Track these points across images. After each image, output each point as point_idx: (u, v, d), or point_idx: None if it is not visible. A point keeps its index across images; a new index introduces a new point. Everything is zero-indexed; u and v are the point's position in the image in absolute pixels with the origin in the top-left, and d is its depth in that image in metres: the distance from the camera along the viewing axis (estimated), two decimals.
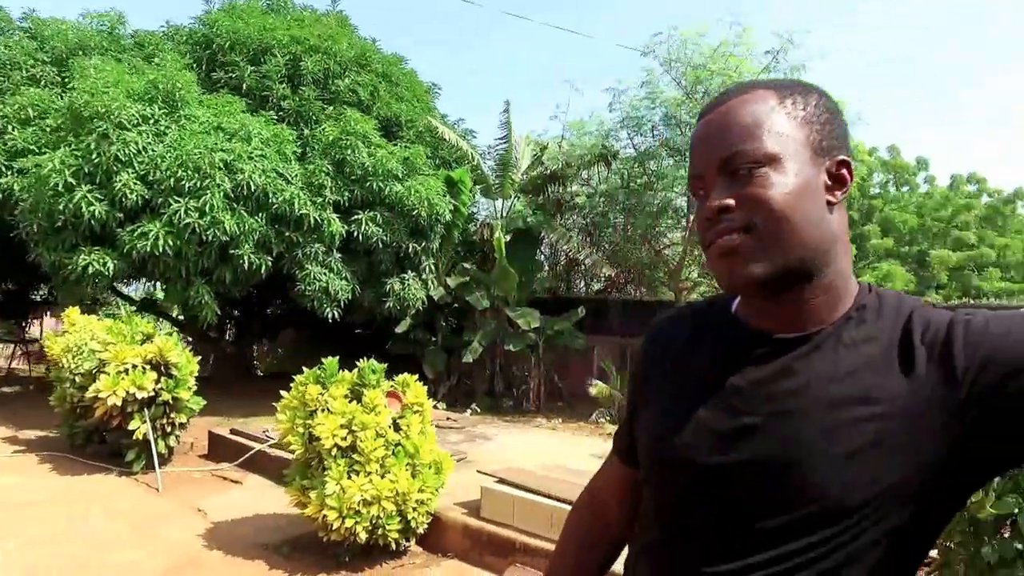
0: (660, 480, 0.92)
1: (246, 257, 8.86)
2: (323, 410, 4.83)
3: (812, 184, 0.82)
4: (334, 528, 4.60)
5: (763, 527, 0.80)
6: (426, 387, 11.86)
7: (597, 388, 11.11)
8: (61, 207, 8.09)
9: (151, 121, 8.72)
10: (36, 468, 6.95)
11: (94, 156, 8.19)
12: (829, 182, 0.84)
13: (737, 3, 26.63)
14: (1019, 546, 3.00)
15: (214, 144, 8.54)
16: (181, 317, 12.41)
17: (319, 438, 4.72)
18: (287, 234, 9.37)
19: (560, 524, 3.43)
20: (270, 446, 7.05)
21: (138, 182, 8.29)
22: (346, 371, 5.07)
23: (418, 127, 11.63)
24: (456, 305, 12.37)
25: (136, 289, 14.37)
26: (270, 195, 8.97)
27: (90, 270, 8.18)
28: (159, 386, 6.75)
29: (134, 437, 6.72)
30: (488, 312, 12.10)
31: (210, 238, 8.36)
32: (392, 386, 5.22)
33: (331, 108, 10.65)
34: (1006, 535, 3.06)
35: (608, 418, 10.69)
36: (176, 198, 8.26)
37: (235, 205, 8.62)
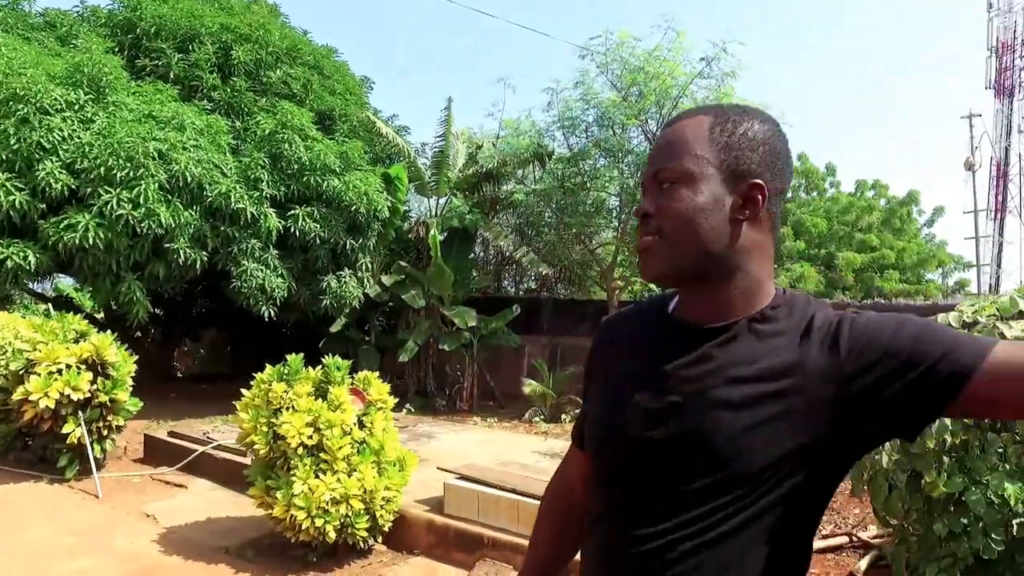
0: (602, 455, 1.06)
1: (182, 251, 8.52)
2: (288, 408, 4.75)
3: (719, 202, 0.97)
4: (303, 528, 4.53)
5: (685, 491, 0.94)
6: None
7: (530, 387, 11.28)
8: None
9: (75, 107, 8.24)
10: None
11: (13, 142, 7.67)
12: (740, 202, 0.98)
13: (673, 8, 27.40)
14: (965, 521, 3.36)
15: (147, 133, 8.16)
16: (100, 315, 11.77)
17: (284, 436, 4.63)
18: (222, 228, 9.07)
19: (525, 518, 3.57)
20: (214, 448, 6.83)
21: (63, 171, 7.83)
22: (311, 368, 5.01)
23: (352, 121, 11.47)
24: (391, 304, 12.27)
25: (45, 287, 13.53)
26: (205, 187, 8.66)
27: (9, 264, 7.66)
28: (95, 387, 6.42)
29: (68, 441, 6.36)
30: (422, 311, 12.07)
31: (144, 231, 8.00)
32: (354, 384, 5.19)
33: (263, 100, 10.36)
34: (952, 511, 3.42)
35: (541, 416, 10.85)
36: (107, 188, 7.85)
37: (170, 197, 8.28)
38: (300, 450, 4.63)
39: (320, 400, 4.85)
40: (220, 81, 10.12)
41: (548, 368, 11.68)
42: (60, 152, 7.86)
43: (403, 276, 11.95)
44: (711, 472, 0.92)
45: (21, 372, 6.40)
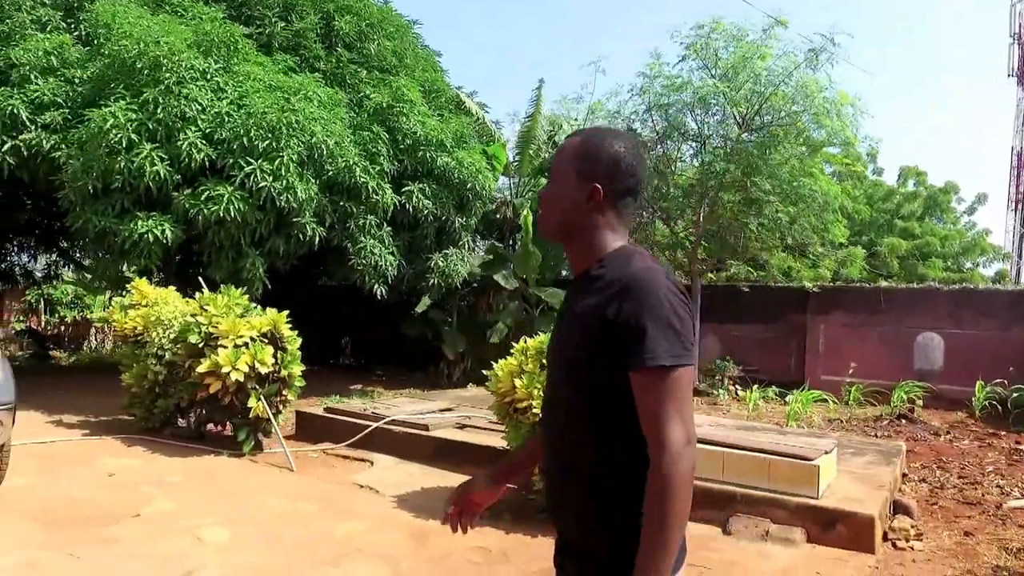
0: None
1: (308, 226, 8.36)
2: None
3: (569, 193, 1.47)
4: None
5: (553, 377, 1.53)
6: (444, 370, 11.69)
7: None
8: (119, 166, 7.30)
9: (208, 76, 8.00)
10: (130, 451, 6.29)
11: (158, 112, 7.43)
12: (587, 194, 1.45)
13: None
14: None
15: (282, 103, 7.96)
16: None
17: None
18: (341, 203, 8.90)
19: (776, 475, 4.66)
20: (388, 423, 6.73)
21: (203, 141, 7.60)
22: None
23: (443, 98, 11.30)
24: (475, 284, 12.17)
25: None
26: (328, 161, 8.48)
27: (150, 237, 7.44)
28: (276, 361, 6.29)
29: (251, 415, 6.24)
30: (507, 292, 12.00)
31: (280, 204, 7.81)
32: None
33: (364, 72, 10.16)
34: None
35: None
36: (248, 159, 7.65)
37: (302, 170, 8.09)
38: None
39: None
40: (324, 52, 9.90)
41: None
42: (199, 122, 7.63)
43: (492, 256, 11.87)
44: (561, 361, 1.48)
45: (201, 346, 6.23)
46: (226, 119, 7.74)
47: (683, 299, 1.36)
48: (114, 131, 7.22)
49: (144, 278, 7.48)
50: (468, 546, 4.35)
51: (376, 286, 9.37)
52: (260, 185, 7.58)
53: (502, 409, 5.10)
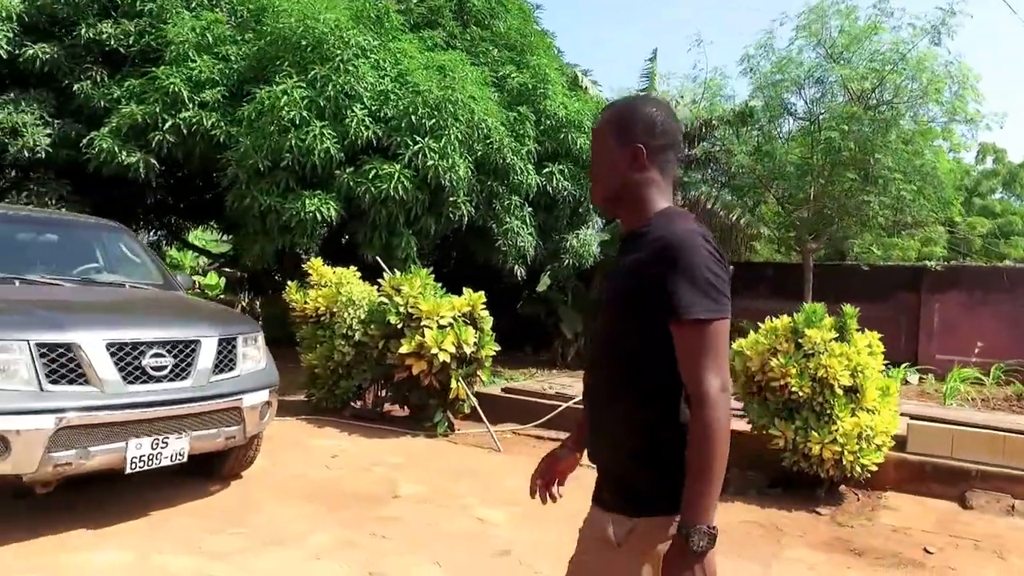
0: None
1: (462, 206, 8.27)
2: (823, 352, 4.68)
3: (613, 161, 1.57)
4: (823, 464, 4.64)
5: (600, 324, 1.61)
6: (559, 349, 11.59)
7: (739, 344, 11.19)
8: (289, 144, 7.24)
9: (367, 53, 7.90)
10: (325, 432, 6.28)
11: (328, 89, 7.35)
12: (632, 159, 1.55)
13: None
14: None
15: (441, 80, 7.85)
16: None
17: (824, 378, 4.66)
18: (488, 183, 8.80)
19: (1011, 451, 4.75)
20: (577, 403, 6.67)
21: (370, 119, 7.52)
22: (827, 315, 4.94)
23: (565, 78, 11.12)
24: (591, 264, 12.04)
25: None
26: (478, 141, 8.37)
27: (318, 216, 7.39)
28: (476, 342, 6.24)
29: (451, 396, 6.21)
30: None
31: (444, 183, 7.73)
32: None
33: (495, 51, 10.01)
34: None
35: None
36: (415, 138, 7.56)
37: (461, 150, 7.99)
38: (838, 390, 4.67)
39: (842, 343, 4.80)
40: (459, 29, 9.76)
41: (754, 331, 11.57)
42: (364, 99, 7.55)
43: (610, 235, 11.73)
44: (614, 304, 1.55)
45: (400, 326, 6.19)
46: (390, 97, 7.63)
47: (720, 258, 1.46)
48: (287, 108, 7.16)
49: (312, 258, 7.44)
50: (739, 520, 4.44)
51: (516, 266, 9.28)
52: (428, 164, 7.48)
53: (744, 388, 5.09)
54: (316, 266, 7.04)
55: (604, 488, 1.61)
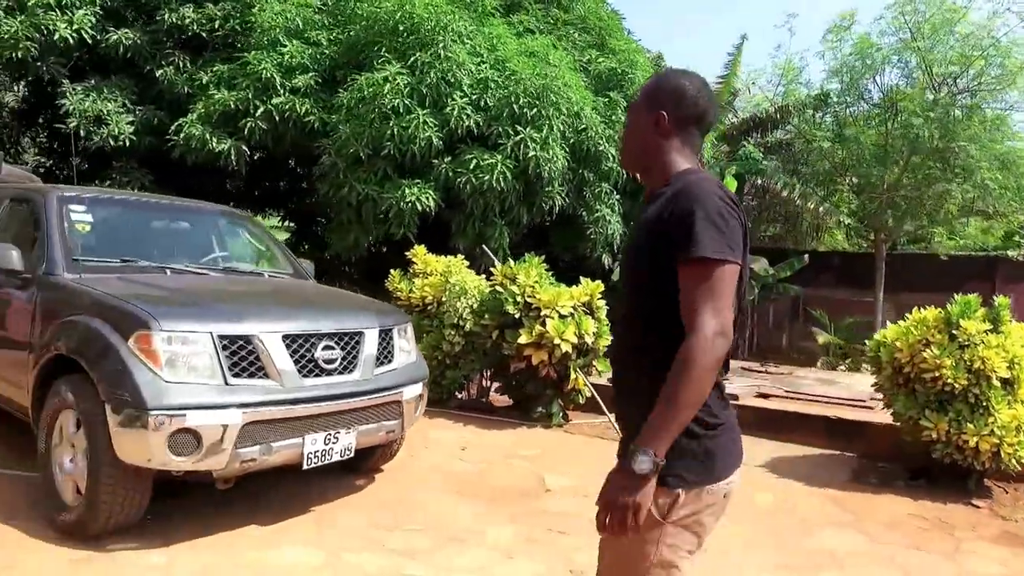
0: None
1: (556, 196, 8.07)
2: (979, 344, 4.50)
3: (640, 123, 1.65)
4: (985, 456, 4.48)
5: (622, 277, 1.70)
6: None
7: (824, 337, 10.91)
8: (390, 132, 7.07)
9: (464, 39, 7.70)
10: (439, 423, 6.13)
11: (429, 75, 7.16)
12: (655, 124, 1.62)
13: None
14: None
15: (540, 68, 7.63)
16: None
17: (980, 370, 4.50)
18: (580, 171, 8.58)
19: None
20: None
21: (471, 107, 7.32)
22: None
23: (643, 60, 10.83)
24: None
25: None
26: (572, 128, 8.14)
27: (418, 206, 7.22)
28: (595, 332, 6.05)
29: (569, 386, 6.04)
30: None
31: (544, 172, 7.53)
32: None
33: (576, 34, 9.74)
34: None
35: (846, 366, 10.51)
36: (516, 127, 7.35)
37: (560, 139, 7.78)
38: (996, 382, 4.54)
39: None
40: (542, 12, 9.51)
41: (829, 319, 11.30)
42: (464, 87, 7.35)
43: None
44: (631, 259, 1.65)
45: (518, 316, 6.01)
46: (490, 84, 7.43)
47: (732, 208, 1.46)
48: (389, 95, 6.98)
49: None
50: (905, 512, 4.36)
51: (604, 255, 9.08)
52: (529, 154, 7.28)
53: (890, 380, 4.92)
54: (420, 255, 6.87)
55: (623, 444, 1.60)
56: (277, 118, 7.72)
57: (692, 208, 1.43)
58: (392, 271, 7.02)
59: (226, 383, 3.20)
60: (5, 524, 3.38)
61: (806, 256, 11.45)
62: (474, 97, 7.40)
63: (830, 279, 12.77)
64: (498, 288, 6.25)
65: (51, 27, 7.67)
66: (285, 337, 3.42)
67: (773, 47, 33.06)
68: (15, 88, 9.41)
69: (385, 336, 3.99)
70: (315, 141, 7.74)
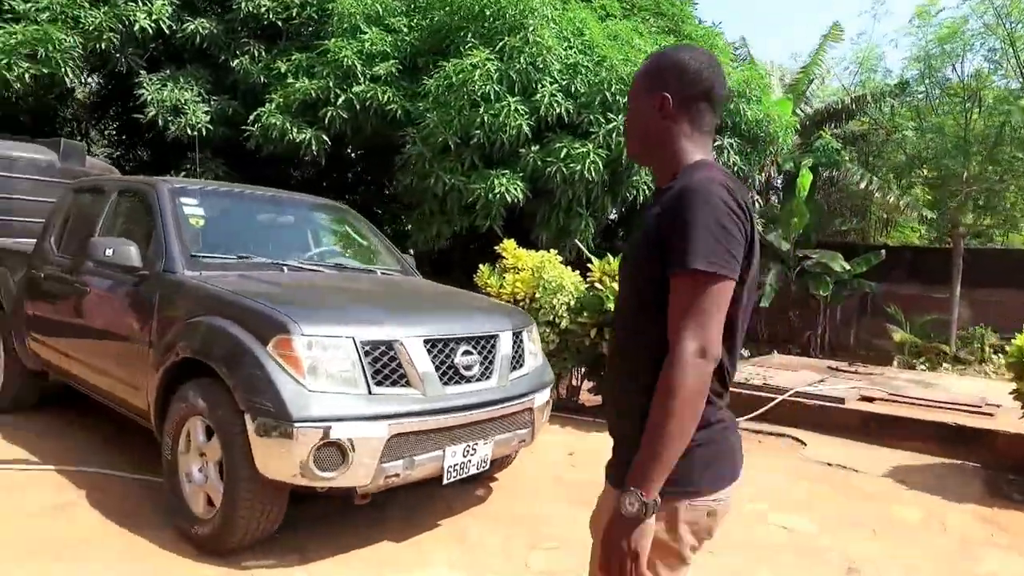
0: None
1: (641, 186, 7.73)
2: None
3: (642, 108, 1.50)
4: None
5: (620, 283, 1.55)
6: None
7: (900, 335, 10.41)
8: (480, 120, 6.80)
9: (550, 22, 7.38)
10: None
11: (519, 61, 6.87)
12: (659, 107, 1.47)
13: None
14: None
15: (630, 53, 7.28)
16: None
17: None
18: None
19: None
20: (792, 395, 6.14)
21: (562, 94, 7.02)
22: None
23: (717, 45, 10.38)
24: None
25: None
26: None
27: (507, 196, 6.95)
28: None
29: None
30: (770, 253, 11.19)
31: (628, 163, 7.21)
32: None
33: (652, 19, 9.35)
34: None
35: (925, 366, 10.00)
36: (609, 115, 7.03)
37: None
38: None
39: None
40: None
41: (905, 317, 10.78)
42: (554, 73, 7.04)
43: (762, 216, 11.05)
44: (624, 269, 1.51)
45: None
46: (579, 70, 7.11)
47: (738, 214, 1.31)
48: (480, 81, 6.71)
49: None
50: None
51: None
52: (622, 143, 6.95)
53: None
54: (511, 249, 6.61)
55: (611, 460, 1.49)
56: (358, 107, 7.51)
57: (689, 213, 1.29)
58: (481, 266, 6.77)
59: (370, 392, 2.97)
60: (135, 534, 3.24)
61: (883, 251, 10.93)
62: (564, 83, 7.08)
63: (901, 274, 12.19)
64: (597, 285, 5.97)
65: (131, 18, 7.59)
66: (426, 342, 3.18)
67: (857, 34, 31.15)
68: (87, 81, 9.38)
69: (517, 339, 3.74)
70: (397, 130, 7.52)
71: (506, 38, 6.96)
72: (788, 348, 11.03)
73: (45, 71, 6.92)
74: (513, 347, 3.67)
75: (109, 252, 3.60)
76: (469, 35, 7.17)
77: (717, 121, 1.56)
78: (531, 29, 6.95)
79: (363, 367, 2.98)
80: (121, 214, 4.32)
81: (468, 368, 3.34)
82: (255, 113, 7.86)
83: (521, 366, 3.73)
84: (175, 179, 4.40)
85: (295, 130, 7.60)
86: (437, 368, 3.21)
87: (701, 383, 1.24)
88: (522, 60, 6.89)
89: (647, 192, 8.00)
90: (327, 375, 2.92)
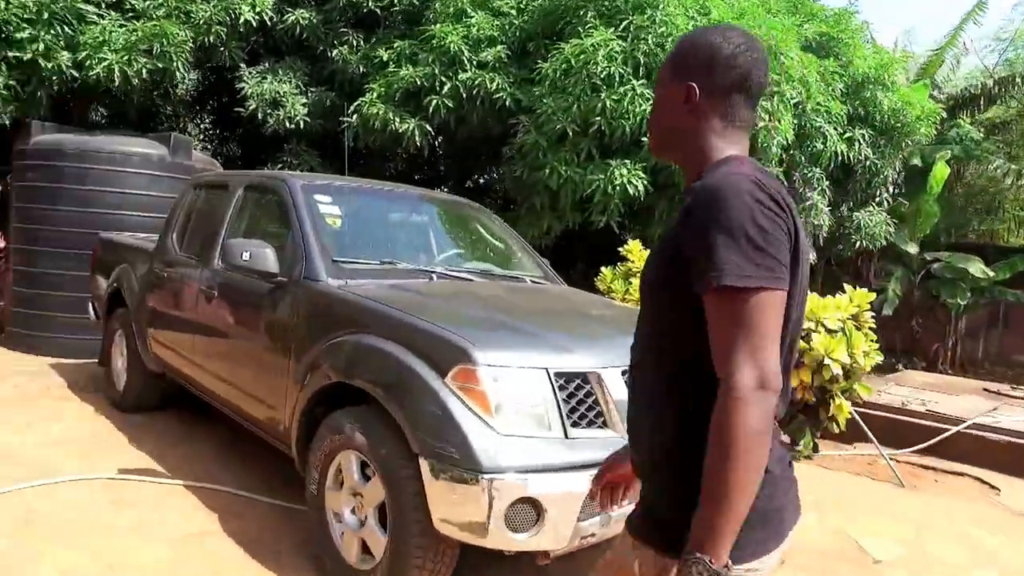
0: None
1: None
2: None
3: (667, 99, 1.29)
4: None
5: (640, 297, 1.32)
6: None
7: None
8: (601, 105, 6.25)
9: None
10: None
11: (645, 40, 6.29)
12: (684, 99, 1.25)
13: None
14: None
15: (764, 30, 6.60)
16: None
17: None
18: (790, 151, 7.50)
19: None
20: (971, 427, 5.39)
21: None
22: None
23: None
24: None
25: None
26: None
27: (629, 189, 6.38)
28: (865, 350, 5.06)
29: (829, 413, 5.08)
30: (892, 255, 10.30)
31: (772, 148, 6.55)
32: None
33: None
34: None
35: None
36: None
37: (785, 111, 6.74)
38: None
39: None
40: None
41: None
42: None
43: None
44: (642, 286, 1.29)
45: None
46: None
47: (775, 210, 1.08)
48: (603, 62, 6.16)
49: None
50: None
51: (810, 249, 7.99)
52: (759, 126, 6.31)
53: None
54: (636, 250, 6.07)
55: (635, 510, 1.32)
56: (463, 95, 7.07)
57: (712, 216, 1.09)
58: (603, 268, 6.26)
59: (566, 435, 2.48)
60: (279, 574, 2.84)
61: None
62: None
63: None
64: None
65: (237, 11, 7.38)
66: (623, 373, 2.67)
67: (1011, 5, 28.30)
68: (189, 77, 9.29)
69: None
70: (505, 119, 7.05)
71: (631, 17, 6.38)
72: (912, 362, 10.14)
73: (160, 66, 6.80)
74: None
75: (246, 256, 3.21)
76: (589, 15, 6.61)
77: (754, 115, 1.31)
78: (660, 7, 6.35)
79: (558, 404, 2.49)
80: (248, 212, 3.96)
81: None
82: (355, 104, 7.51)
83: None
84: (305, 174, 4.01)
85: (397, 120, 7.21)
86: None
87: (764, 421, 1.03)
88: (649, 41, 6.30)
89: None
90: (517, 414, 2.44)
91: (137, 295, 4.67)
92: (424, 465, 2.40)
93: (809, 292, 5.15)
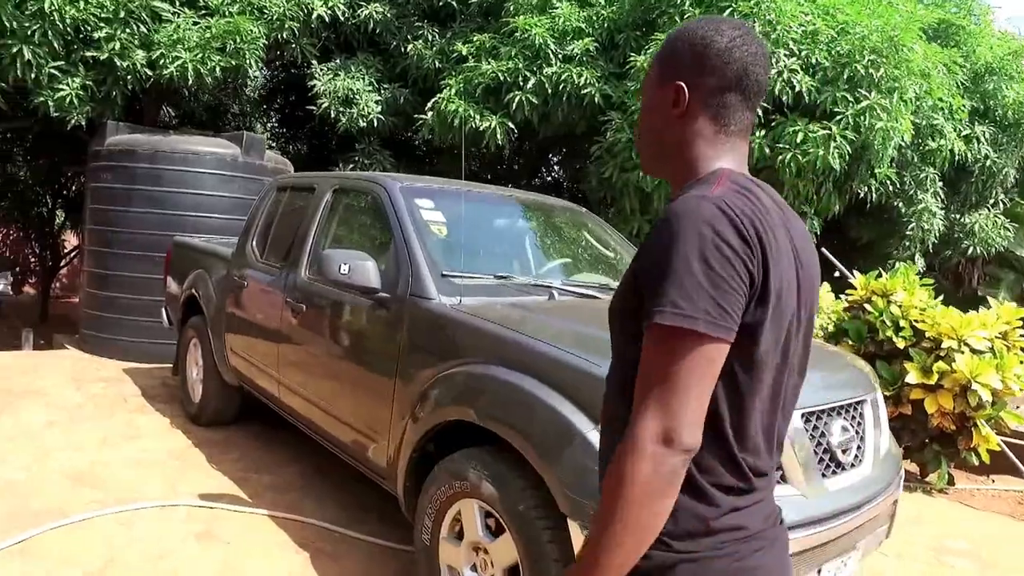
0: None
1: (883, 178, 6.45)
2: None
3: (653, 103, 1.12)
4: None
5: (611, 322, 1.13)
6: None
7: None
8: None
9: None
10: None
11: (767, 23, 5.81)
12: (672, 102, 1.09)
13: None
14: None
15: (885, 19, 6.00)
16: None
17: None
18: (903, 150, 6.88)
19: None
20: None
21: (800, 67, 5.85)
22: None
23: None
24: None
25: None
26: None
27: None
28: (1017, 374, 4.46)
29: (972, 445, 4.51)
30: (999, 261, 9.49)
31: (888, 149, 5.96)
32: None
33: None
34: None
35: None
36: (859, 93, 5.80)
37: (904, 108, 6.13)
38: None
39: None
40: None
41: None
42: (790, 44, 5.87)
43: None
44: (611, 309, 1.13)
45: (904, 347, 4.55)
46: (818, 38, 5.92)
47: (733, 246, 0.92)
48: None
49: None
50: None
51: (917, 257, 7.34)
52: (876, 125, 5.72)
53: None
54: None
55: None
56: (548, 90, 6.66)
57: (663, 245, 0.95)
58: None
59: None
60: None
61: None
62: (802, 55, 5.91)
63: None
64: (866, 307, 4.81)
65: (310, 6, 7.14)
66: (803, 415, 2.22)
67: None
68: (259, 75, 9.14)
69: (874, 401, 2.71)
70: (592, 116, 6.61)
71: (733, 4, 5.87)
72: None
73: (233, 63, 6.61)
74: (875, 415, 2.65)
75: (345, 269, 2.85)
76: (687, 3, 6.12)
77: (753, 118, 1.12)
78: None
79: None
80: (338, 217, 3.61)
81: (845, 450, 2.35)
82: (432, 101, 7.18)
83: (881, 438, 2.69)
84: (400, 175, 3.64)
85: (478, 117, 6.84)
86: (815, 451, 2.23)
87: (659, 479, 0.89)
88: (756, 29, 5.77)
89: (879, 187, 6.72)
90: None
91: (215, 303, 4.40)
92: (574, 528, 1.99)
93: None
